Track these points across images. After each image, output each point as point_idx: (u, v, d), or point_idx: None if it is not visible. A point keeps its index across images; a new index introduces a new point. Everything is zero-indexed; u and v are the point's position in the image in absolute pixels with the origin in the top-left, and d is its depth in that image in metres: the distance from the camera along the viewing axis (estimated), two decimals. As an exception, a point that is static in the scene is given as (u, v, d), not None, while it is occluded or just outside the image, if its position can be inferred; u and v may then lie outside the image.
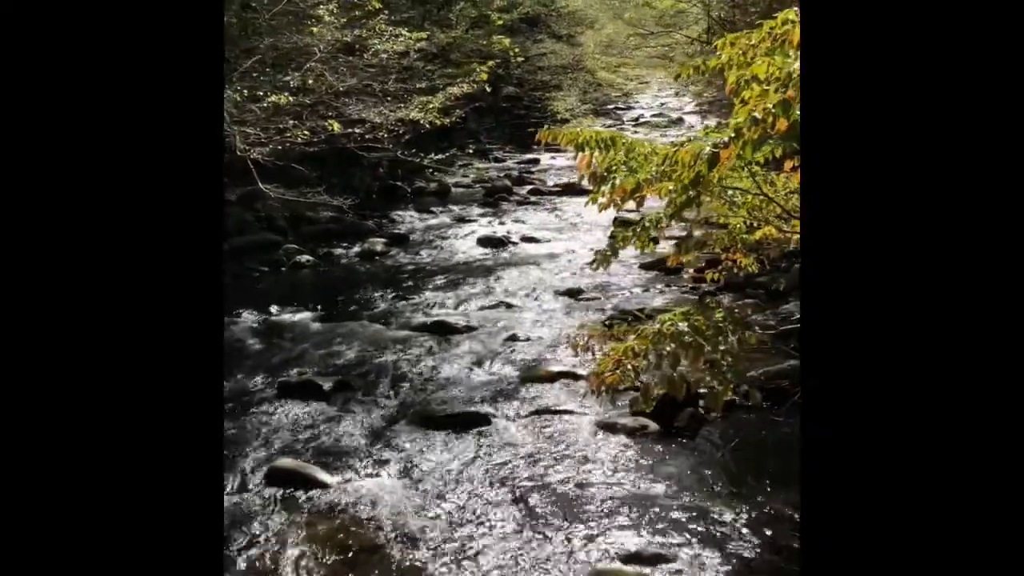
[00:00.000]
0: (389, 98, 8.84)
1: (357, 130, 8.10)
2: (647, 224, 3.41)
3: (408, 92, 9.08)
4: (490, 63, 9.81)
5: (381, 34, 8.11)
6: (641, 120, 22.83)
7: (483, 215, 12.30)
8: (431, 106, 8.89)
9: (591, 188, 3.28)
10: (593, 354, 5.54)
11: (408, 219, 12.11)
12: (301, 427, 5.55)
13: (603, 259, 3.48)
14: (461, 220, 12.01)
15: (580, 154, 3.13)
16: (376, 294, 8.52)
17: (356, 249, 10.40)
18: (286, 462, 4.94)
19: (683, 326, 2.85)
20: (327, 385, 6.09)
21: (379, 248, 10.33)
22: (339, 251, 10.36)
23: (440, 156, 12.04)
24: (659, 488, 4.72)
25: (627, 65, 19.51)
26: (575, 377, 6.21)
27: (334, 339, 7.18)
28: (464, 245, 10.61)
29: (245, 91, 7.30)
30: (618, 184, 2.98)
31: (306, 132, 7.56)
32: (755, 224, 3.37)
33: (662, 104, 26.84)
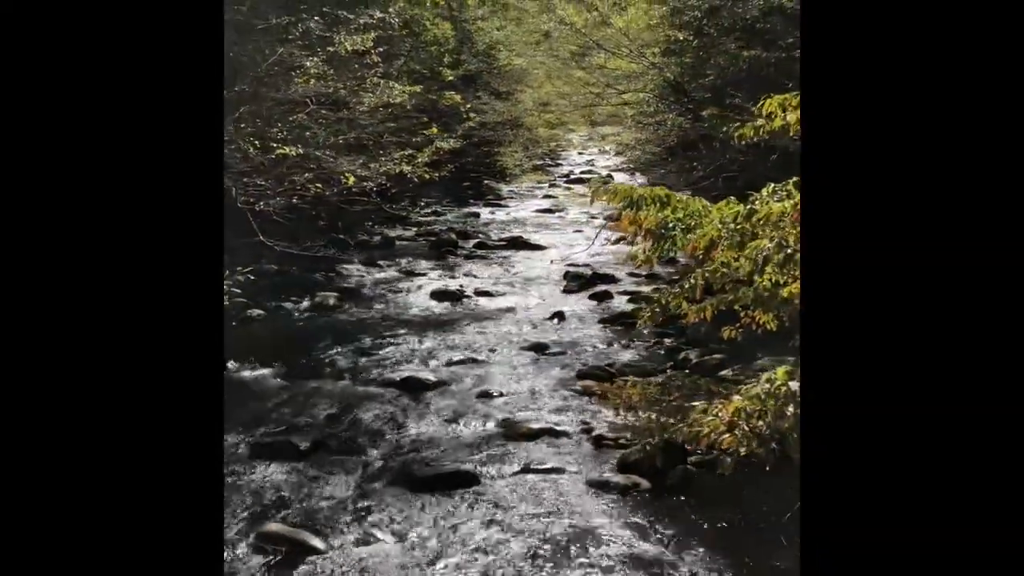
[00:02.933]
0: (364, 152, 8.76)
1: (349, 182, 7.96)
2: (692, 282, 3.37)
3: (381, 145, 9.02)
4: (469, 121, 9.82)
5: (375, 86, 8.07)
6: (572, 176, 23.26)
7: (432, 268, 12.20)
8: (418, 160, 8.84)
9: (636, 243, 3.23)
10: (637, 412, 5.52)
11: (356, 272, 11.90)
12: (281, 489, 5.29)
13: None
14: (410, 273, 11.87)
15: (627, 211, 3.10)
16: (336, 349, 8.29)
17: (307, 303, 10.13)
18: (275, 527, 4.68)
19: (795, 386, 2.82)
20: (303, 445, 5.85)
21: (331, 302, 10.09)
22: (289, 305, 10.08)
23: (385, 208, 11.88)
24: (654, 550, 4.64)
25: (563, 123, 19.85)
26: (557, 434, 6.13)
27: (301, 397, 6.93)
28: (418, 299, 10.46)
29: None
30: (690, 239, 2.95)
31: (318, 185, 7.40)
32: (782, 281, 3.42)
33: (589, 161, 27.43)
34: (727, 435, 2.83)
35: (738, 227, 3.03)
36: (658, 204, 3.18)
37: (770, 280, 3.37)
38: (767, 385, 2.84)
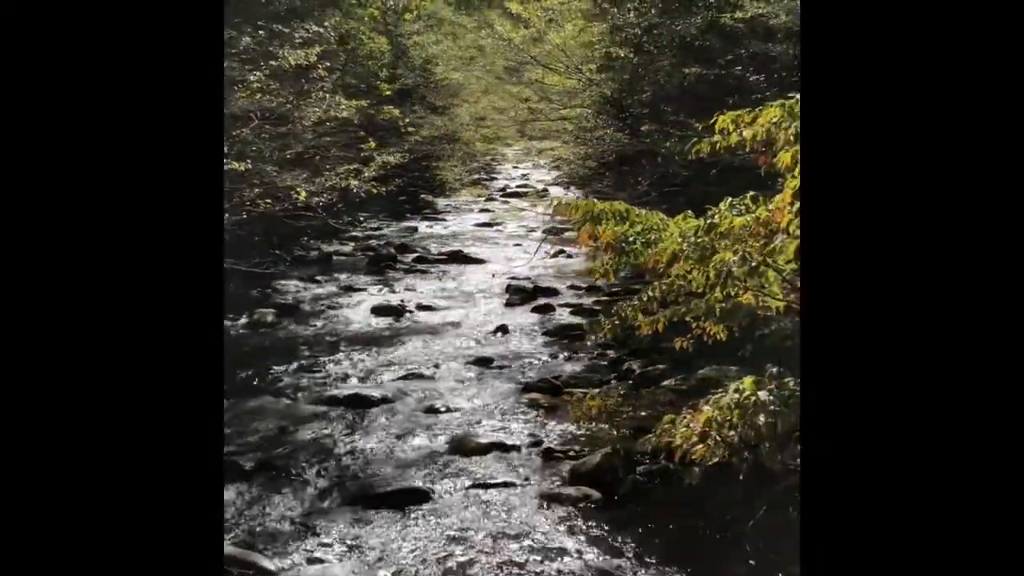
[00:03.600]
0: (306, 166, 8.66)
1: (301, 197, 7.85)
2: (650, 294, 3.43)
3: (327, 160, 8.93)
4: (409, 135, 9.78)
5: (321, 100, 7.98)
6: (508, 191, 23.36)
7: (372, 283, 12.08)
8: (365, 175, 8.76)
9: (594, 258, 3.28)
10: (585, 424, 5.54)
11: (292, 288, 11.70)
12: (228, 510, 5.16)
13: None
14: (349, 289, 11.73)
15: (585, 225, 3.14)
16: (277, 367, 8.14)
17: (244, 320, 9.93)
18: (226, 549, 4.56)
19: (764, 395, 2.88)
20: (248, 465, 5.73)
21: (269, 319, 9.91)
22: (226, 322, 9.85)
23: (331, 223, 11.75)
24: (611, 562, 4.68)
25: (500, 137, 19.95)
26: (506, 448, 6.13)
27: (243, 415, 6.78)
28: (358, 315, 10.35)
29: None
30: (650, 253, 3.00)
31: (268, 200, 7.27)
32: (732, 293, 3.50)
33: (524, 175, 27.60)
34: (700, 445, 2.88)
35: (699, 241, 3.09)
36: (617, 218, 3.22)
37: (723, 292, 3.45)
38: (736, 395, 2.91)
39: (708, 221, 3.11)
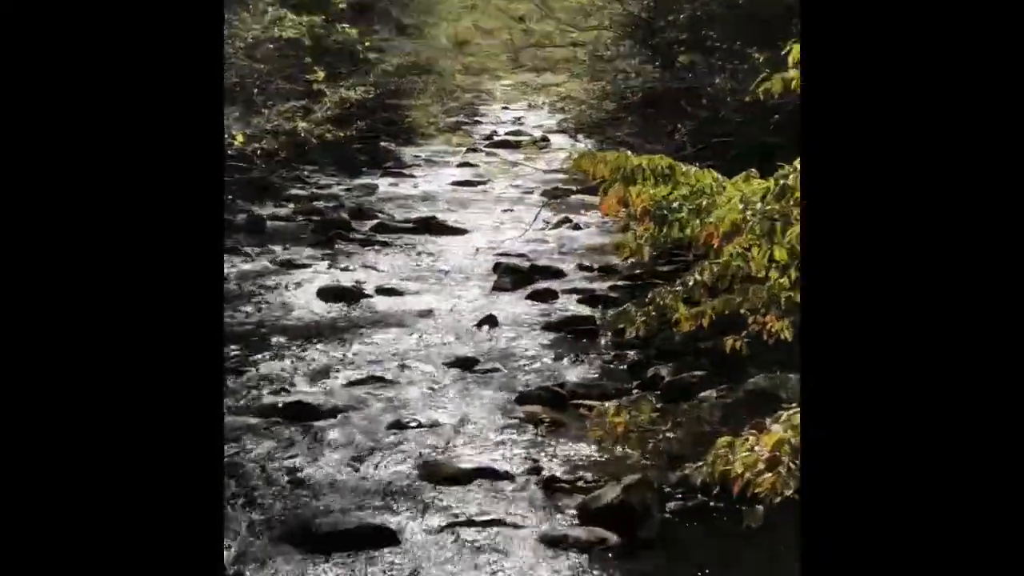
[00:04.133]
0: (234, 102, 8.59)
1: (238, 141, 7.78)
2: (697, 278, 3.42)
3: (266, 95, 8.86)
4: (369, 63, 9.73)
5: (261, 14, 7.91)
6: (497, 139, 23.35)
7: (317, 259, 12.06)
8: (317, 114, 8.71)
9: (623, 229, 3.28)
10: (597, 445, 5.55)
11: (214, 262, 11.69)
12: (130, 555, 5.14)
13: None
14: (288, 265, 11.71)
15: (614, 186, 3.11)
16: (195, 365, 8.12)
17: (149, 303, 9.91)
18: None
19: None
20: (157, 494, 5.70)
21: (183, 302, 9.89)
22: (126, 305, 9.83)
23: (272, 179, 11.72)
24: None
25: (486, 69, 19.92)
26: (495, 476, 6.14)
27: (150, 428, 6.76)
28: (300, 299, 10.34)
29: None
30: (702, 223, 2.98)
31: None
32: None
33: (517, 119, 27.59)
34: (768, 475, 2.86)
35: (768, 209, 3.07)
36: (657, 177, 3.20)
37: (789, 277, 3.44)
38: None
39: (781, 183, 3.08)
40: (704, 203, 3.30)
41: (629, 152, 3.41)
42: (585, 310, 9.85)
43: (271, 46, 9.49)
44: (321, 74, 11.08)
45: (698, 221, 3.23)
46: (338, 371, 8.11)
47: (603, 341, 8.92)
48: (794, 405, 2.96)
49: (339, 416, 7.06)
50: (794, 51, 3.11)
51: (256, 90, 9.15)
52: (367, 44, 12.25)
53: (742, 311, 3.92)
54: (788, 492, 2.88)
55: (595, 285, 10.79)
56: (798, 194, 2.96)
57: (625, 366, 8.24)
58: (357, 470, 6.26)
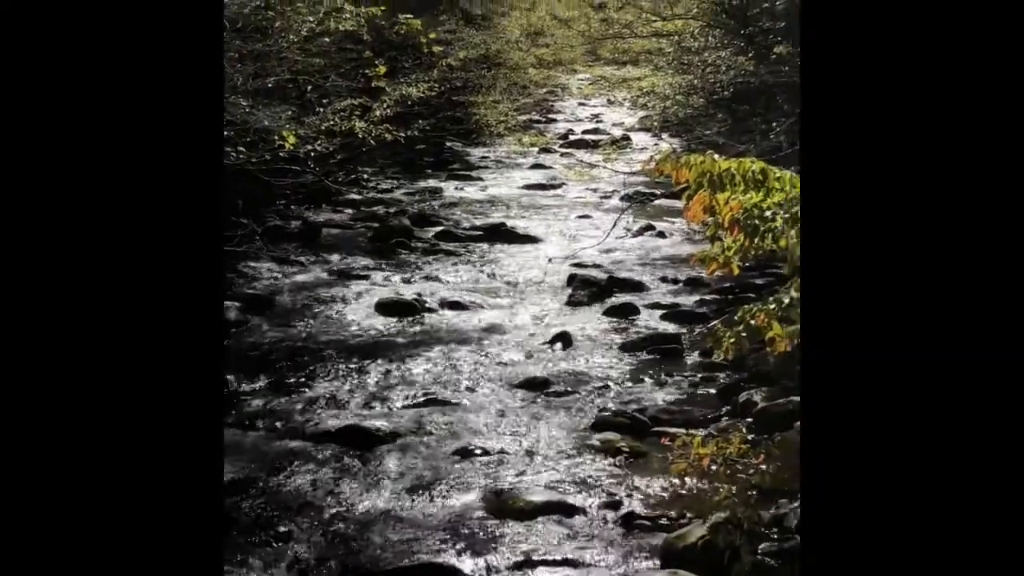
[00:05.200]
0: (288, 100, 8.72)
1: (289, 143, 7.90)
2: (793, 296, 3.37)
3: (322, 92, 8.96)
4: (436, 57, 9.79)
5: (315, 6, 8.03)
6: (572, 138, 23.35)
7: (376, 269, 12.15)
8: (375, 113, 8.80)
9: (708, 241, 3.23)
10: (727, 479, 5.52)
11: (266, 273, 11.82)
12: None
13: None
14: (344, 275, 11.82)
15: (700, 192, 3.08)
16: (244, 386, 8.22)
17: (196, 316, 10.05)
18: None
19: None
20: (200, 524, 5.77)
21: (233, 316, 10.01)
22: (172, 319, 9.99)
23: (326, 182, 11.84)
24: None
25: (561, 62, 19.95)
26: (568, 510, 6.11)
27: (194, 453, 6.85)
28: (357, 313, 10.42)
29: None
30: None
31: (240, 149, 7.39)
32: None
33: (595, 116, 27.57)
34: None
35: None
36: (749, 183, 3.15)
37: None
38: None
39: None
40: (799, 211, 3.25)
41: (716, 154, 3.37)
42: (669, 327, 9.78)
43: (327, 39, 9.57)
44: (381, 69, 11.12)
45: (794, 232, 3.17)
46: (397, 392, 8.14)
47: (689, 362, 8.85)
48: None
49: (398, 442, 7.09)
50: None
51: (310, 87, 9.22)
52: (432, 36, 12.27)
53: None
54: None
55: (680, 300, 10.71)
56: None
57: (714, 390, 8.15)
58: (417, 503, 6.26)
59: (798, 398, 7.49)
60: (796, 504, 3.56)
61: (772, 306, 3.79)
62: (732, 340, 4.07)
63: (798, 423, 7.08)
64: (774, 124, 9.20)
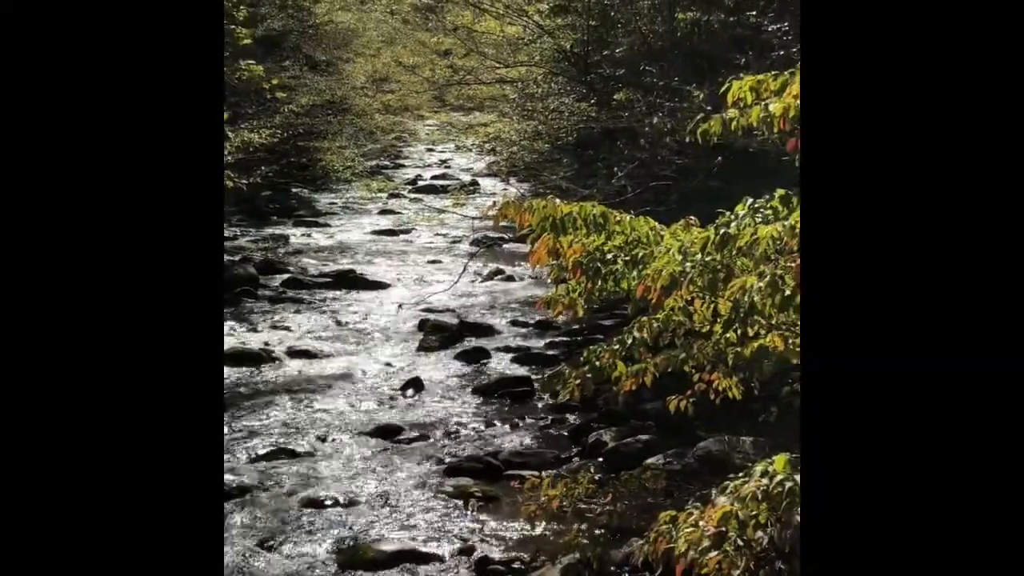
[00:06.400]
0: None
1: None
2: (638, 335, 3.45)
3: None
4: (279, 101, 9.70)
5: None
6: (421, 183, 23.39)
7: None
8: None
9: (552, 282, 3.29)
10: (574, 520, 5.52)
11: (106, 325, 11.51)
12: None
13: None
14: (189, 326, 11.58)
15: (543, 236, 3.13)
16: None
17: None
18: None
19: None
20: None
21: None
22: None
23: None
24: None
25: (408, 108, 20.04)
26: (423, 558, 6.09)
27: None
28: (202, 363, 10.21)
29: None
30: (639, 276, 3.01)
31: None
32: (752, 333, 3.52)
33: (443, 162, 27.67)
34: (713, 553, 2.86)
35: (709, 260, 3.11)
36: (590, 226, 3.23)
37: (739, 332, 3.47)
38: (764, 481, 2.90)
39: (722, 231, 3.12)
40: (641, 254, 3.34)
41: (559, 199, 3.45)
42: (520, 370, 9.85)
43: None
44: (225, 115, 11.00)
45: (635, 273, 3.26)
46: (244, 443, 7.99)
47: (540, 404, 8.93)
48: (742, 474, 2.99)
49: (246, 495, 6.95)
50: (733, 88, 3.17)
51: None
52: (275, 82, 12.21)
53: (686, 368, 3.96)
54: (736, 573, 2.89)
55: (531, 343, 10.81)
56: (740, 243, 3.01)
57: (565, 432, 8.25)
58: (266, 557, 6.15)
59: (646, 436, 7.65)
60: (642, 542, 3.60)
61: (616, 346, 3.87)
62: (577, 381, 4.13)
63: (648, 460, 7.21)
64: (616, 169, 9.40)
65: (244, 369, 10.00)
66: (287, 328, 11.56)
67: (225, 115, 11.39)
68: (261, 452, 7.82)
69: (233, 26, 12.51)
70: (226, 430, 8.27)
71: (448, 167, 26.36)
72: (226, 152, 9.71)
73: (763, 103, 3.07)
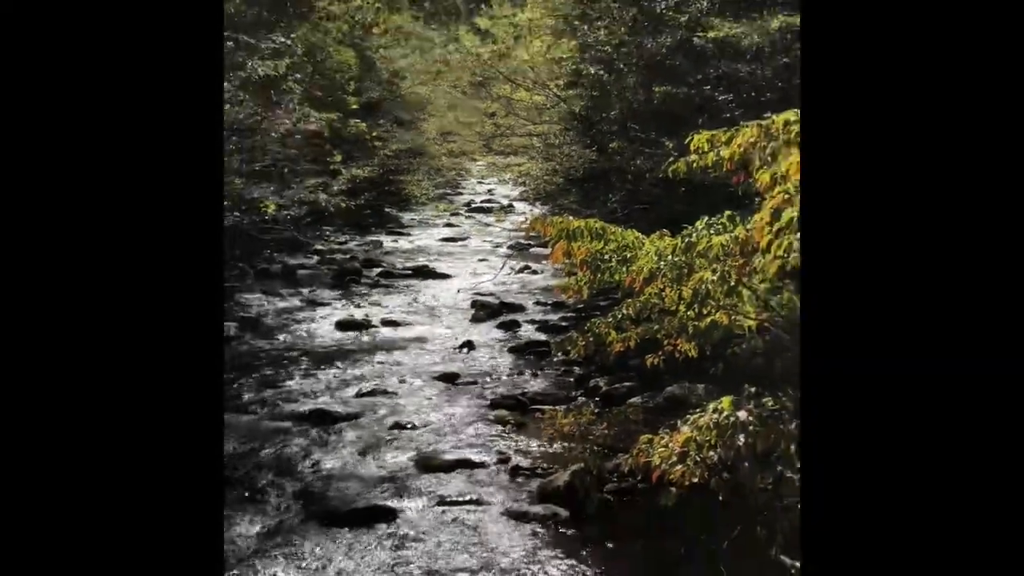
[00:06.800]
0: (270, 179, 8.58)
1: (269, 210, 7.75)
2: (623, 312, 3.43)
3: (296, 173, 8.84)
4: (377, 148, 9.73)
5: (290, 113, 7.91)
6: (473, 205, 23.34)
7: (336, 298, 11.96)
8: (333, 188, 8.68)
9: (569, 274, 3.27)
10: (554, 442, 5.50)
11: (256, 302, 11.54)
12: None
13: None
14: (313, 303, 11.60)
15: (560, 242, 3.13)
16: (239, 382, 8.00)
17: (205, 333, 9.76)
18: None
19: (743, 415, 2.87)
20: (209, 483, 5.59)
21: (231, 332, 9.74)
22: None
23: (298, 237, 11.63)
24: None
25: (465, 152, 19.97)
26: (473, 465, 6.08)
27: (204, 431, 6.64)
28: (322, 329, 10.24)
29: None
30: (626, 271, 3.00)
31: (236, 213, 7.19)
32: (706, 311, 3.52)
33: (489, 190, 27.58)
34: (679, 466, 2.87)
35: (677, 260, 3.10)
36: (593, 235, 3.22)
37: (697, 311, 3.46)
38: (715, 415, 2.90)
39: (686, 240, 3.12)
40: (628, 255, 3.32)
41: (571, 217, 3.45)
42: (541, 336, 9.80)
43: (298, 136, 9.46)
44: (338, 157, 11.07)
45: (624, 269, 3.24)
46: (351, 385, 8.02)
47: (555, 360, 8.88)
48: (698, 410, 2.97)
49: (351, 420, 6.97)
50: (695, 140, 3.16)
51: (286, 170, 9.11)
52: (374, 134, 12.23)
53: (659, 336, 3.95)
54: (695, 480, 2.88)
55: (548, 317, 10.76)
56: (699, 248, 2.99)
57: (572, 379, 8.20)
58: (365, 462, 6.17)
59: (629, 383, 7.60)
60: (627, 456, 3.57)
61: (610, 319, 3.86)
62: (582, 343, 4.12)
63: (630, 400, 7.17)
64: (611, 196, 9.34)
65: (351, 333, 10.03)
66: (380, 305, 11.58)
67: (339, 157, 11.43)
68: (363, 390, 7.83)
69: (345, 96, 12.55)
70: (340, 375, 8.31)
71: (492, 195, 26.25)
72: (341, 182, 9.72)
73: (716, 150, 3.07)
